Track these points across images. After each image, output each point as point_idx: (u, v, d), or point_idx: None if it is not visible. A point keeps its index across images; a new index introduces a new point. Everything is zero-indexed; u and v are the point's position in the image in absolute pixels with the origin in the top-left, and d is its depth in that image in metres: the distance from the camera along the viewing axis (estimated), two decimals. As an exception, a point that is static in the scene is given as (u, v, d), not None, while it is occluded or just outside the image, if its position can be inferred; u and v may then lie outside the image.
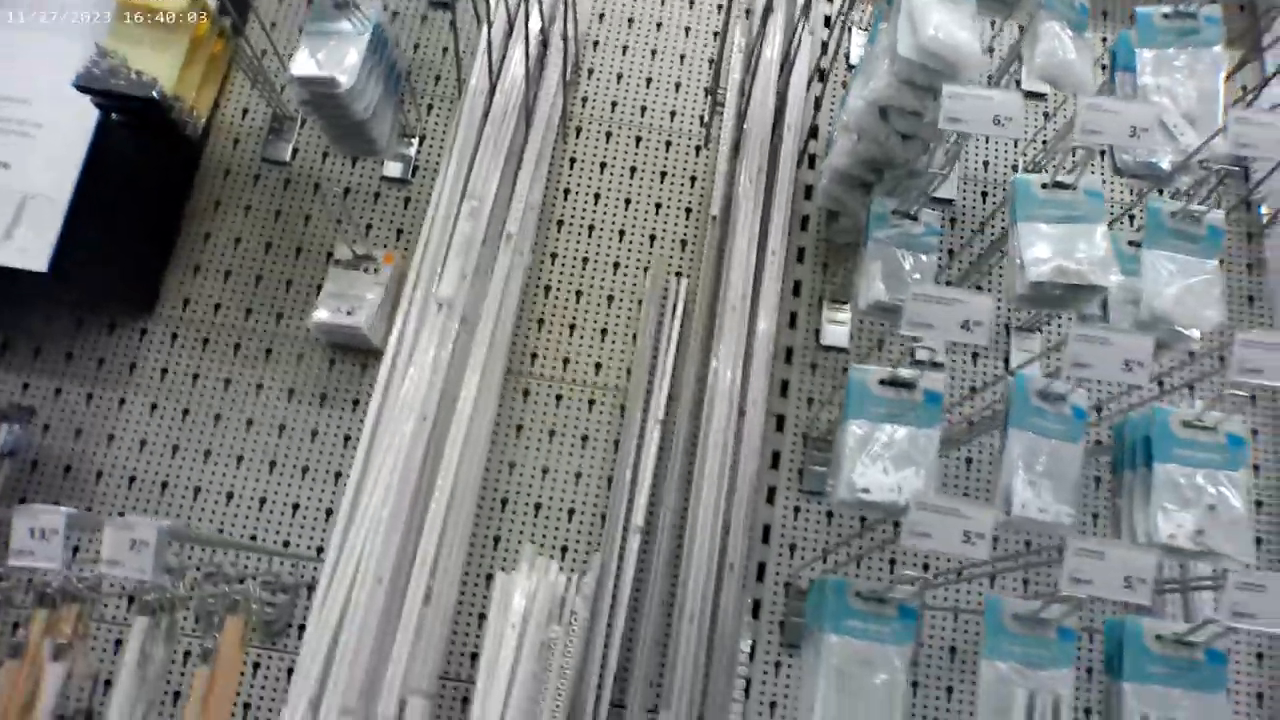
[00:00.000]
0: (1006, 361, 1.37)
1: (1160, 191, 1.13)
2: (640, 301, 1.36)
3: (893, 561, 1.27)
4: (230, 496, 1.26)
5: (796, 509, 1.28)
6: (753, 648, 1.23)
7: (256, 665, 1.18)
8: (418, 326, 1.11)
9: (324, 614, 0.96)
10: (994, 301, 0.83)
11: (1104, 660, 0.96)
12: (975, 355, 1.38)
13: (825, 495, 0.88)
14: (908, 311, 0.78)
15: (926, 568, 1.26)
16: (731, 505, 1.13)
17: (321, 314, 1.23)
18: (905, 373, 0.91)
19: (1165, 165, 1.07)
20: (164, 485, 1.26)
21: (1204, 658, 0.92)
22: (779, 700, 1.22)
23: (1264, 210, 1.45)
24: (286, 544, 1.23)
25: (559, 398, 1.31)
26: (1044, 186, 0.96)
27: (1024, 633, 0.90)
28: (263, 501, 1.26)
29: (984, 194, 1.47)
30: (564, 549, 1.26)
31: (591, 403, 1.31)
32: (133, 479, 1.26)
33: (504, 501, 1.27)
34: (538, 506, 1.27)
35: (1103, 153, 1.36)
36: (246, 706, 1.18)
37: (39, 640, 0.86)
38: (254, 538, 1.23)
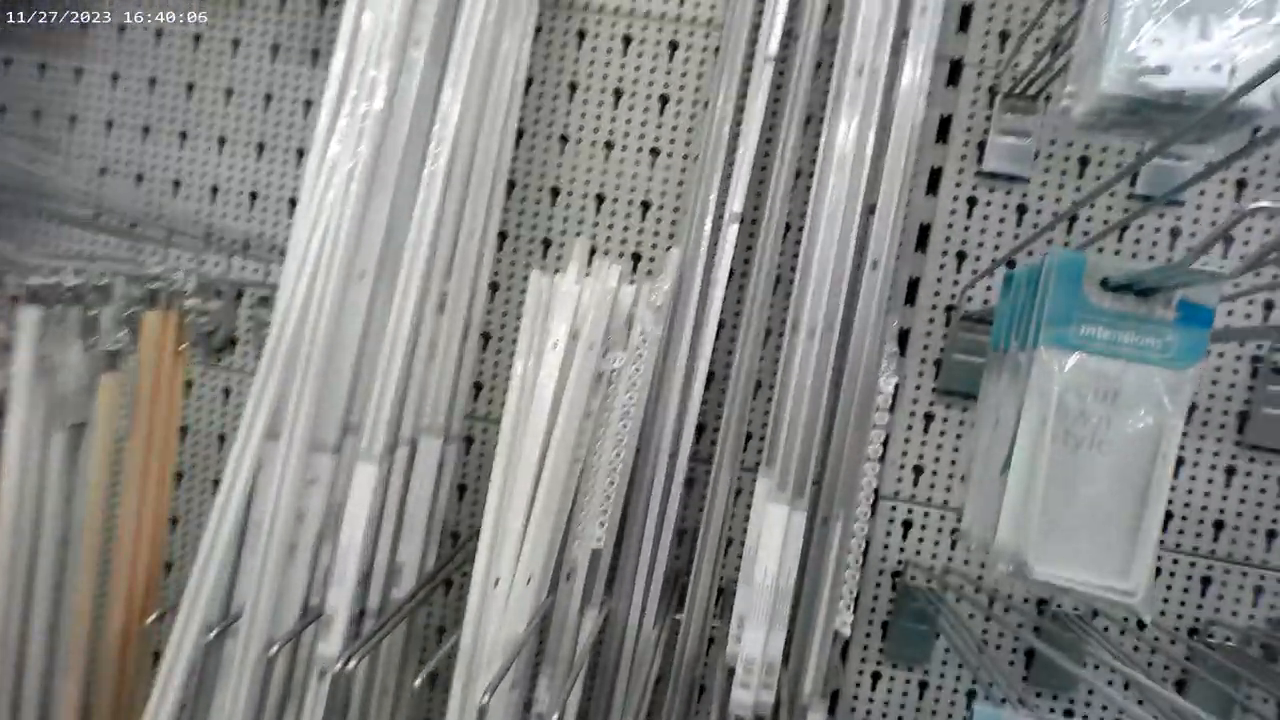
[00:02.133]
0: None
1: None
2: (747, -109, 0.90)
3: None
4: (217, 189, 0.98)
5: (971, 201, 0.87)
6: (896, 391, 0.89)
7: (190, 384, 0.96)
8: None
9: (285, 318, 0.67)
10: None
11: None
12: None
13: (1066, 107, 0.48)
14: None
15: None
16: (878, 181, 0.73)
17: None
18: None
19: None
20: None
21: None
22: (927, 464, 0.89)
23: None
24: (253, 243, 0.95)
25: (627, 40, 0.92)
26: None
27: None
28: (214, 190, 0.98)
29: None
30: (635, 256, 0.92)
31: (674, 46, 0.91)
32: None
33: (554, 192, 0.93)
34: (599, 199, 0.93)
35: None
36: (184, 430, 0.97)
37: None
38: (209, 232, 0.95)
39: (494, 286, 0.93)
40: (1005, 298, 0.60)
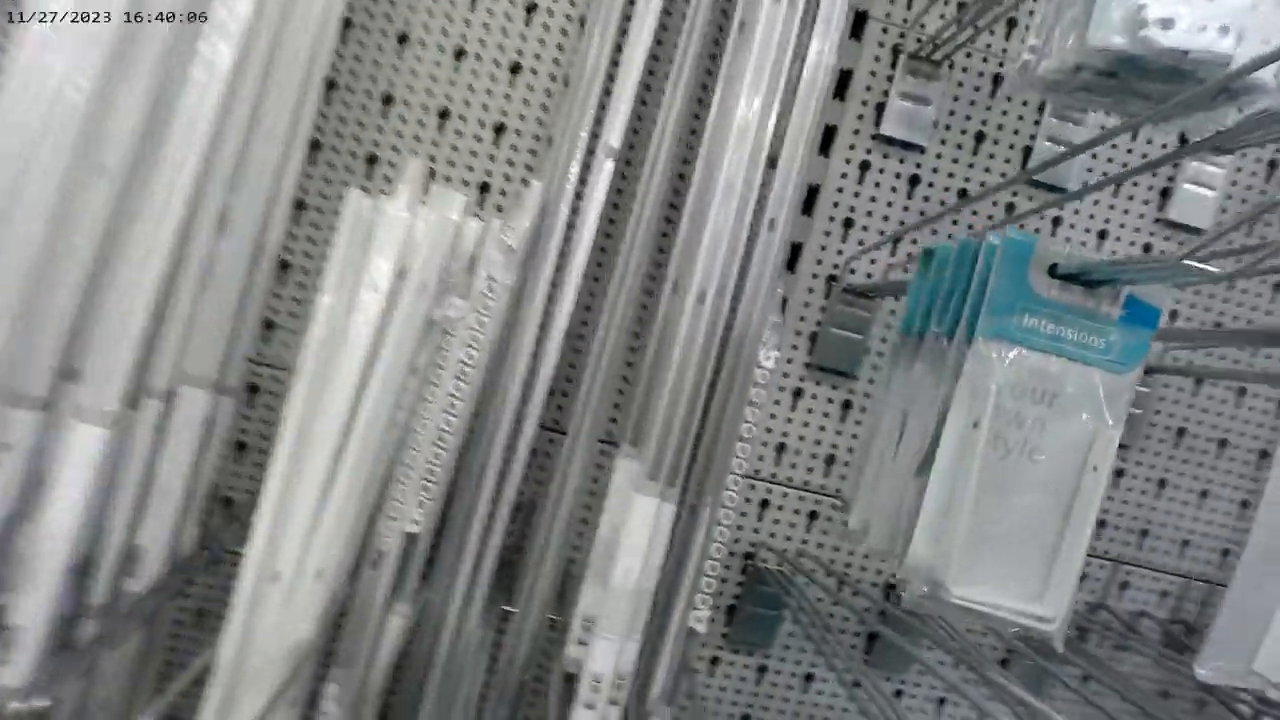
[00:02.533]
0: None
1: None
2: None
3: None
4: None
5: (864, 166, 0.80)
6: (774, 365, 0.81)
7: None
8: None
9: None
10: None
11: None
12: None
13: (1027, 63, 0.40)
14: None
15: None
16: (783, 131, 0.64)
17: None
18: None
19: None
20: None
21: None
22: (791, 443, 0.83)
23: None
24: None
25: (492, -74, 0.76)
26: None
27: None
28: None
29: None
30: (483, 186, 0.78)
31: (549, -59, 0.76)
32: None
33: (386, 99, 0.76)
34: (443, 114, 0.77)
35: None
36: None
37: None
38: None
39: (300, 205, 0.75)
40: (924, 276, 0.52)
